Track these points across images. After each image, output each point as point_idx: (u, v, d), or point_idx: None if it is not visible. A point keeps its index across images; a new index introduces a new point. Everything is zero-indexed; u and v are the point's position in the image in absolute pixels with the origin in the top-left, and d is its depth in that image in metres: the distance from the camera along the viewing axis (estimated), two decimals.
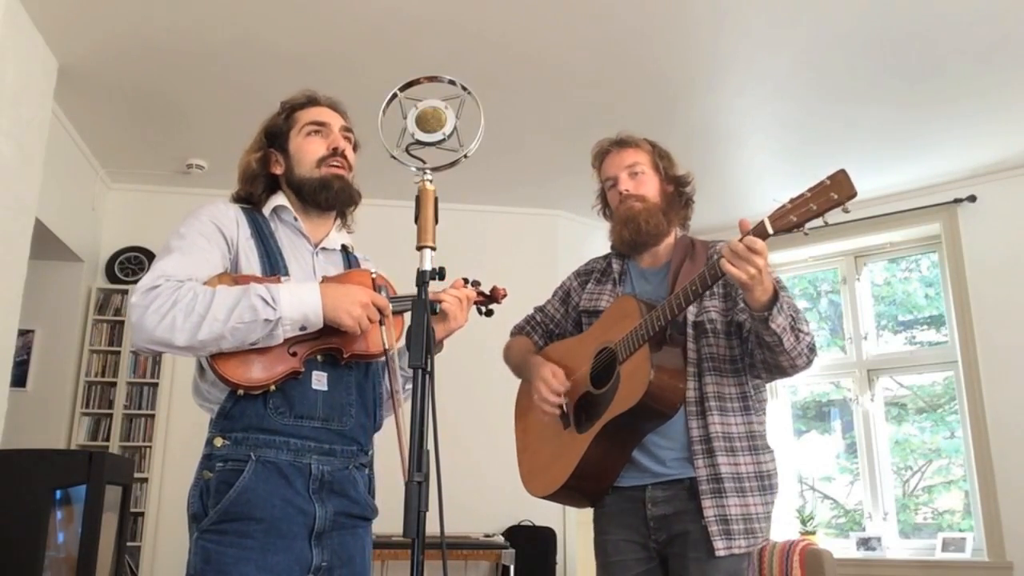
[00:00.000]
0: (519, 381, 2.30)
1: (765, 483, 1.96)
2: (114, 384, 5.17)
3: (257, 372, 1.55)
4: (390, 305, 1.65)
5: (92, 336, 5.20)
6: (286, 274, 1.66)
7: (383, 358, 1.69)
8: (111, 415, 5.12)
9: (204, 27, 3.75)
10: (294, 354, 1.58)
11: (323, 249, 1.79)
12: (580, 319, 2.21)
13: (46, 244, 4.60)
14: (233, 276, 1.61)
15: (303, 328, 1.56)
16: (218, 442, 1.57)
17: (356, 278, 1.69)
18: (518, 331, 2.35)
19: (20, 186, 3.76)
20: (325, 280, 1.68)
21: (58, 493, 3.08)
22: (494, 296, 1.88)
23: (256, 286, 1.55)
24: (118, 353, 5.22)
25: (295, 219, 1.76)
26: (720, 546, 1.86)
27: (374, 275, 1.71)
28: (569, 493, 2.05)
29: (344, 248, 1.86)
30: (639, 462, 1.99)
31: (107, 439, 5.07)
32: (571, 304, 2.27)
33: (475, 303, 1.85)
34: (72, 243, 4.89)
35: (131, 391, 5.20)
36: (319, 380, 1.62)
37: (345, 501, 1.64)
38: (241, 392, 1.55)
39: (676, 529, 1.93)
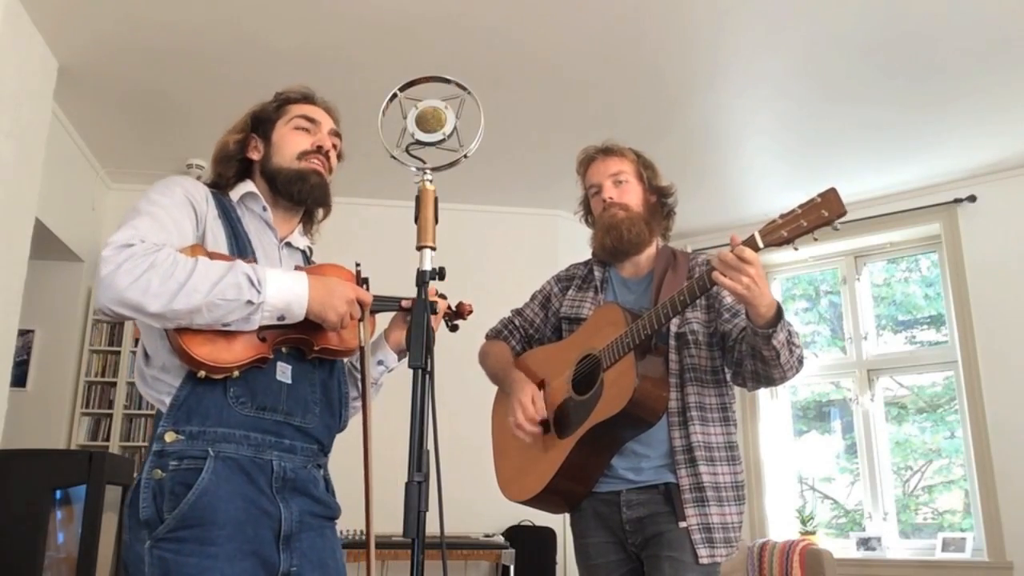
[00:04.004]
0: None
1: (740, 493, 1.99)
2: (114, 384, 5.18)
3: (224, 353, 1.42)
4: (371, 301, 1.59)
5: (92, 336, 5.20)
6: (254, 259, 1.56)
7: (351, 355, 1.64)
8: (111, 415, 5.12)
9: (204, 27, 3.75)
10: (263, 339, 1.47)
11: (288, 245, 1.71)
12: (560, 325, 2.20)
13: (46, 244, 4.61)
14: (208, 251, 1.49)
15: (281, 318, 1.46)
16: (169, 437, 1.42)
17: (333, 271, 1.61)
18: (495, 335, 2.32)
19: (20, 186, 3.76)
20: (301, 270, 1.59)
21: (58, 493, 3.08)
22: (460, 312, 1.84)
23: (243, 264, 1.44)
24: (118, 353, 5.22)
25: (264, 208, 1.67)
26: (703, 554, 1.88)
27: (358, 268, 1.65)
28: (548, 498, 2.04)
29: (305, 250, 1.78)
30: (616, 469, 2.00)
31: (107, 439, 5.07)
32: (551, 309, 2.25)
33: (443, 316, 1.80)
34: (72, 243, 4.89)
35: (131, 391, 5.19)
36: (283, 372, 1.53)
37: (308, 500, 1.55)
38: (202, 374, 1.42)
39: (650, 531, 1.95)
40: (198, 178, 1.71)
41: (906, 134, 4.67)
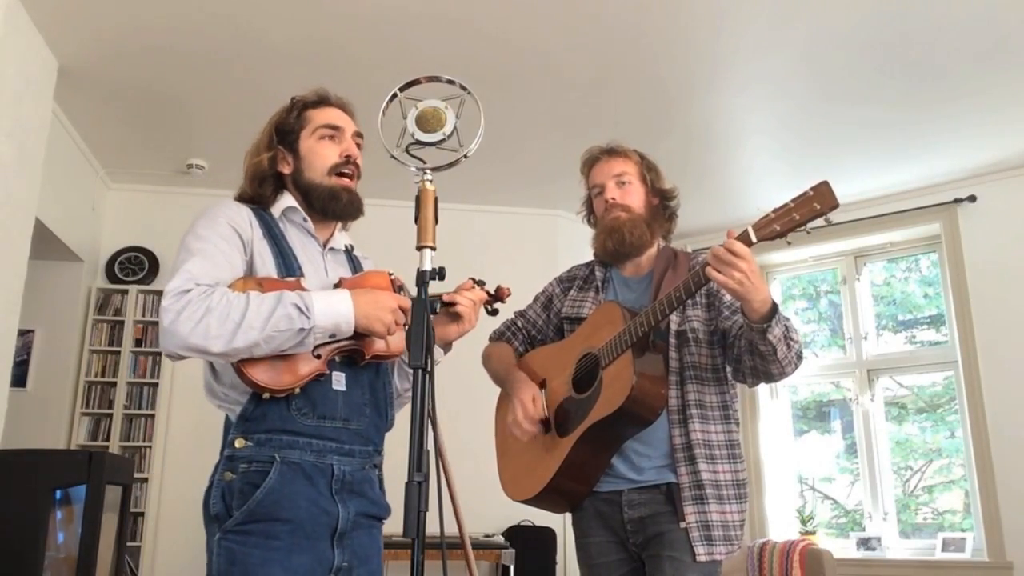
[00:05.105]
0: None
1: (742, 491, 1.99)
2: (114, 384, 5.17)
3: (284, 376, 1.54)
4: (411, 306, 1.64)
5: (92, 336, 5.20)
6: (301, 275, 1.65)
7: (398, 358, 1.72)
8: (111, 415, 5.12)
9: (204, 26, 3.75)
10: (318, 356, 1.57)
11: (331, 249, 1.80)
12: (562, 325, 2.21)
13: (46, 244, 4.60)
14: (257, 279, 1.59)
15: (332, 336, 1.56)
16: (239, 443, 1.55)
17: (373, 280, 1.68)
18: (498, 336, 2.34)
19: (20, 186, 3.76)
20: (344, 283, 1.67)
21: (58, 493, 3.08)
22: (499, 295, 1.88)
23: (289, 294, 1.53)
24: (118, 353, 5.22)
25: (305, 219, 1.75)
26: (701, 551, 1.89)
27: (392, 276, 1.70)
28: (549, 497, 2.05)
29: (347, 248, 1.86)
30: (617, 468, 2.00)
31: (107, 439, 5.07)
32: (553, 310, 2.27)
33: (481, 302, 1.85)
34: (72, 243, 4.89)
35: (131, 391, 5.20)
36: (338, 380, 1.62)
37: (364, 501, 1.64)
38: (267, 396, 1.54)
39: (652, 531, 1.95)
40: (238, 197, 1.77)
41: (906, 134, 4.66)
